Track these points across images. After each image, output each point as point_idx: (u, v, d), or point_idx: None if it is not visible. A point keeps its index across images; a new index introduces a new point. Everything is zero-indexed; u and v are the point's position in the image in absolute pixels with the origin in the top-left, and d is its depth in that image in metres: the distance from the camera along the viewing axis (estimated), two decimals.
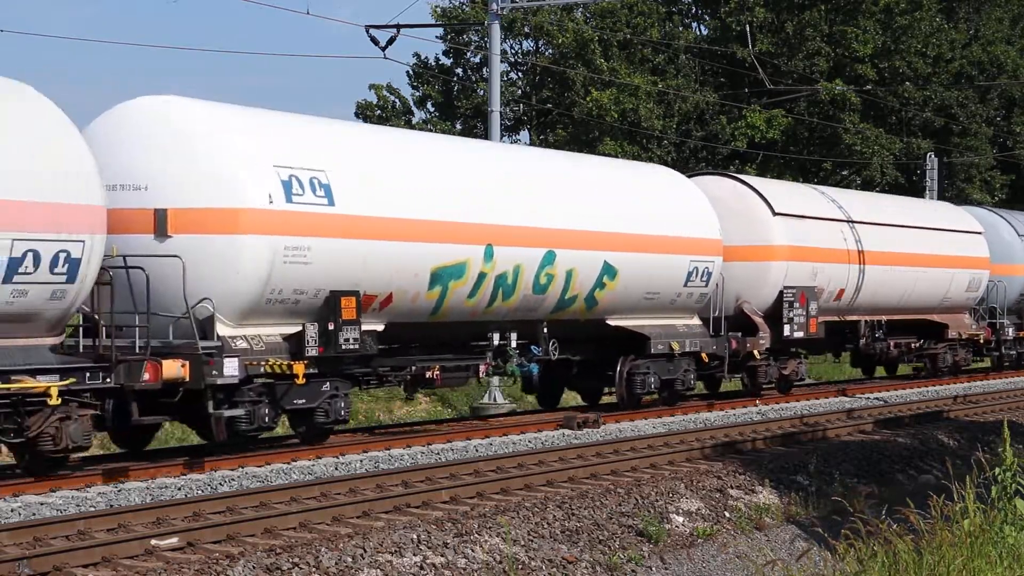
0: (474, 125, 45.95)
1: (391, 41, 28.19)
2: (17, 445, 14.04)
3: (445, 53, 47.22)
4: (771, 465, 17.00)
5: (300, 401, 16.25)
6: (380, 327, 17.25)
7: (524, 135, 48.56)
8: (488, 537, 12.35)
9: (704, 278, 22.81)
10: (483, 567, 11.81)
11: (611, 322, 21.59)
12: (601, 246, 20.66)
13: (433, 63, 47.41)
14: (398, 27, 28.36)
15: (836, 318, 26.97)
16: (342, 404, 16.78)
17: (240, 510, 12.79)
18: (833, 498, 15.06)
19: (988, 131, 51.08)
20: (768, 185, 26.93)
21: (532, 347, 20.01)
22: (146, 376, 14.10)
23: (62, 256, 13.45)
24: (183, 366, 14.42)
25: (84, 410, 13.96)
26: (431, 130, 45.07)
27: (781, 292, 24.53)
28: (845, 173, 49.26)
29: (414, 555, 11.62)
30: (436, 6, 45.71)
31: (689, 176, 25.12)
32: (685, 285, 22.48)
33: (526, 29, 45.12)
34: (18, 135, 13.39)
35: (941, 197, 45.28)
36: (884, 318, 28.86)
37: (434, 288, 17.63)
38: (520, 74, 48.00)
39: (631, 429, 20.56)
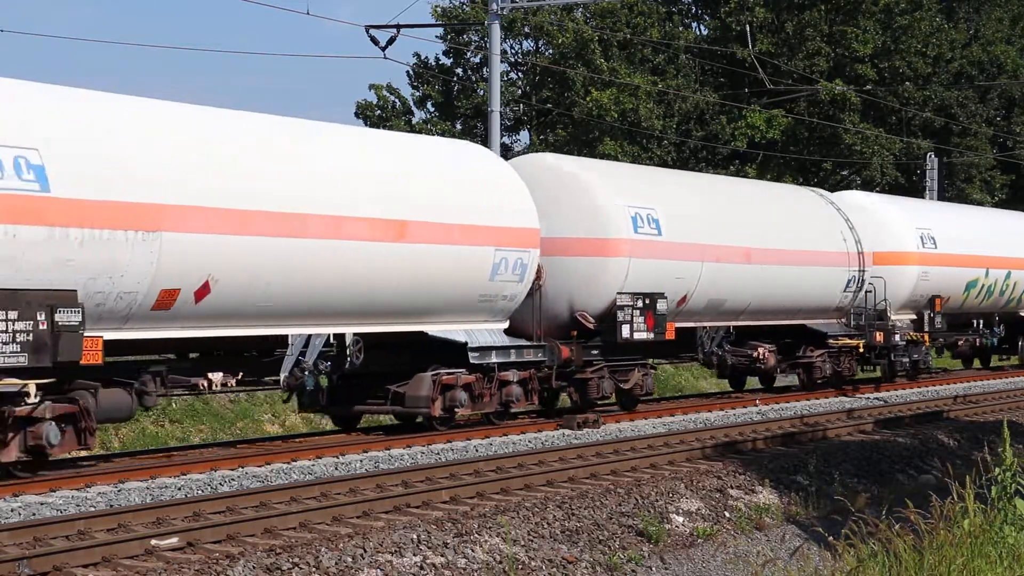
0: (474, 125, 45.96)
1: (391, 41, 28.20)
2: None
3: (445, 53, 47.27)
4: (771, 465, 17.00)
5: None
6: None
7: (524, 135, 48.62)
8: (488, 537, 12.35)
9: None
10: (483, 567, 11.81)
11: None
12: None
13: (433, 63, 47.43)
14: (398, 27, 28.37)
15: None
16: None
17: (240, 510, 12.79)
18: (836, 498, 15.07)
19: (988, 131, 51.10)
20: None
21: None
22: None
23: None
24: None
25: None
26: (431, 130, 45.10)
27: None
28: (845, 173, 49.28)
29: (414, 555, 11.62)
30: (436, 6, 45.76)
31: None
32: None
33: (526, 29, 45.13)
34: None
35: (941, 197, 45.30)
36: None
37: None
38: (520, 74, 48.01)
39: (631, 429, 20.56)
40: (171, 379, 15.35)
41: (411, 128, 45.45)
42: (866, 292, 27.55)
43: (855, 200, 29.27)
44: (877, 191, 45.75)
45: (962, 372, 35.17)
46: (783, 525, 15.01)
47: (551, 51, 45.23)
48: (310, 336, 16.69)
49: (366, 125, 46.13)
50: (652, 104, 43.01)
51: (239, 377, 16.10)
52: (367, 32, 28.03)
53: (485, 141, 32.29)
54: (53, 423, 13.81)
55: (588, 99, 42.39)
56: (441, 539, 12.04)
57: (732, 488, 15.75)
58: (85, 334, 13.63)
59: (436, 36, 46.45)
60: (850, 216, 27.35)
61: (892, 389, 28.59)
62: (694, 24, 50.14)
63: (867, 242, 27.29)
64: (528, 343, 20.09)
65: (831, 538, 10.36)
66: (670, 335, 21.75)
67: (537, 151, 44.05)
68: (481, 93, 43.99)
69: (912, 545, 9.72)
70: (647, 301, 21.23)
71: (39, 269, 13.38)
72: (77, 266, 13.69)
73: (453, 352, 18.71)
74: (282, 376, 16.62)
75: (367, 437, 18.88)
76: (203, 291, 15.13)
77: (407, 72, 48.00)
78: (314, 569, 10.86)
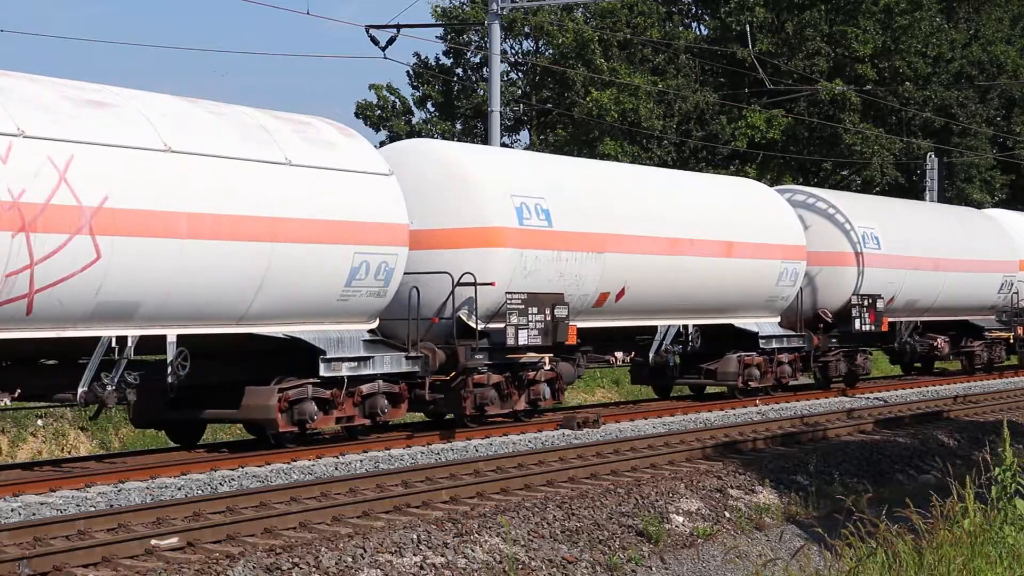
0: (474, 125, 45.96)
1: (391, 41, 28.20)
2: None
3: (445, 53, 47.27)
4: (771, 465, 17.01)
5: None
6: None
7: (524, 135, 48.61)
8: (488, 537, 12.36)
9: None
10: (483, 567, 11.81)
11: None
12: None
13: (433, 63, 47.43)
14: (398, 27, 28.37)
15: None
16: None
17: (240, 510, 12.80)
18: (837, 496, 15.07)
19: (988, 131, 51.09)
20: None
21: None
22: None
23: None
24: None
25: None
26: (431, 130, 45.11)
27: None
28: (845, 173, 49.28)
29: (414, 555, 11.62)
30: (436, 6, 45.77)
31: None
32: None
33: (526, 29, 45.12)
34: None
35: (941, 197, 45.30)
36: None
37: None
38: (520, 74, 48.01)
39: (631, 429, 20.57)
40: (591, 356, 21.53)
41: (411, 128, 45.47)
42: (1012, 293, 32.75)
43: (1006, 217, 35.00)
44: (876, 191, 45.79)
45: None
46: (783, 525, 15.01)
47: (551, 51, 45.23)
48: (668, 327, 22.66)
49: (366, 125, 46.20)
50: (652, 104, 43.01)
51: (631, 356, 22.53)
52: (367, 32, 28.04)
53: (485, 141, 32.31)
54: (546, 384, 20.19)
55: (588, 99, 42.39)
56: (441, 539, 12.04)
57: (732, 488, 15.75)
58: (568, 323, 19.76)
59: (436, 36, 46.52)
60: (1005, 229, 33.17)
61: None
62: (694, 24, 50.14)
63: (1017, 252, 32.97)
64: (794, 332, 25.49)
65: (831, 538, 10.37)
66: (884, 327, 27.35)
67: (538, 151, 44.11)
68: (481, 93, 43.98)
69: (912, 545, 9.72)
70: (871, 301, 26.92)
71: (547, 279, 19.64)
72: (566, 277, 20.05)
73: (744, 339, 24.35)
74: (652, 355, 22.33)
75: (366, 437, 18.84)
76: (621, 293, 21.31)
77: (407, 72, 48.06)
78: (314, 569, 10.87)
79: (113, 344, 14.32)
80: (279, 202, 15.97)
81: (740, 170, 44.53)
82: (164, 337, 14.82)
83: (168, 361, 14.86)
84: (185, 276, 14.72)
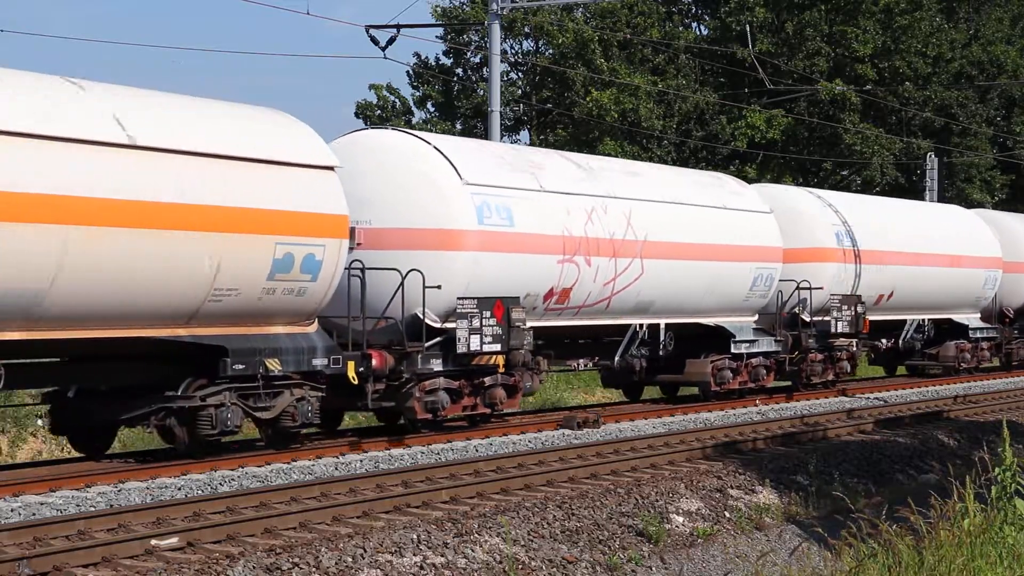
0: (474, 125, 45.95)
1: (391, 41, 28.21)
2: None
3: (445, 53, 47.26)
4: (771, 465, 17.00)
5: None
6: None
7: (524, 135, 48.60)
8: (488, 537, 12.35)
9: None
10: (483, 567, 11.81)
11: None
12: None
13: (433, 63, 47.43)
14: (398, 27, 28.38)
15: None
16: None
17: (240, 510, 12.79)
18: (834, 494, 15.06)
19: (988, 131, 51.09)
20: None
21: None
22: None
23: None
24: None
25: None
26: (431, 130, 45.11)
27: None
28: (845, 173, 49.27)
29: (414, 555, 11.62)
30: (436, 6, 45.75)
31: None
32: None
33: (526, 29, 45.12)
34: None
35: (941, 197, 45.31)
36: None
37: None
38: (520, 74, 48.00)
39: (631, 429, 20.55)
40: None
41: (411, 128, 45.47)
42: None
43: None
44: (876, 191, 45.78)
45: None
46: (783, 525, 15.01)
47: (551, 51, 45.22)
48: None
49: (366, 125, 46.18)
50: (652, 104, 43.00)
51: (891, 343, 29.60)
52: (367, 32, 28.05)
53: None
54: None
55: (588, 99, 42.38)
56: (441, 539, 12.04)
57: (732, 488, 15.74)
58: None
59: (436, 36, 46.51)
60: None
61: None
62: (694, 24, 50.14)
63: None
64: (990, 325, 32.24)
65: (831, 538, 10.37)
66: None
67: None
68: (481, 93, 43.98)
69: (912, 545, 9.72)
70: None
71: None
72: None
73: (955, 332, 31.59)
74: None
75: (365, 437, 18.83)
76: (885, 297, 28.27)
77: (407, 72, 48.06)
78: (314, 569, 10.86)
79: (637, 330, 21.80)
80: None
81: (740, 170, 44.52)
82: (658, 325, 22.39)
83: (660, 340, 22.35)
84: (673, 286, 22.08)
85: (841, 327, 25.51)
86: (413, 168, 18.24)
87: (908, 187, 49.45)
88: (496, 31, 29.27)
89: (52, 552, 10.61)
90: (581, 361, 21.72)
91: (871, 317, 27.07)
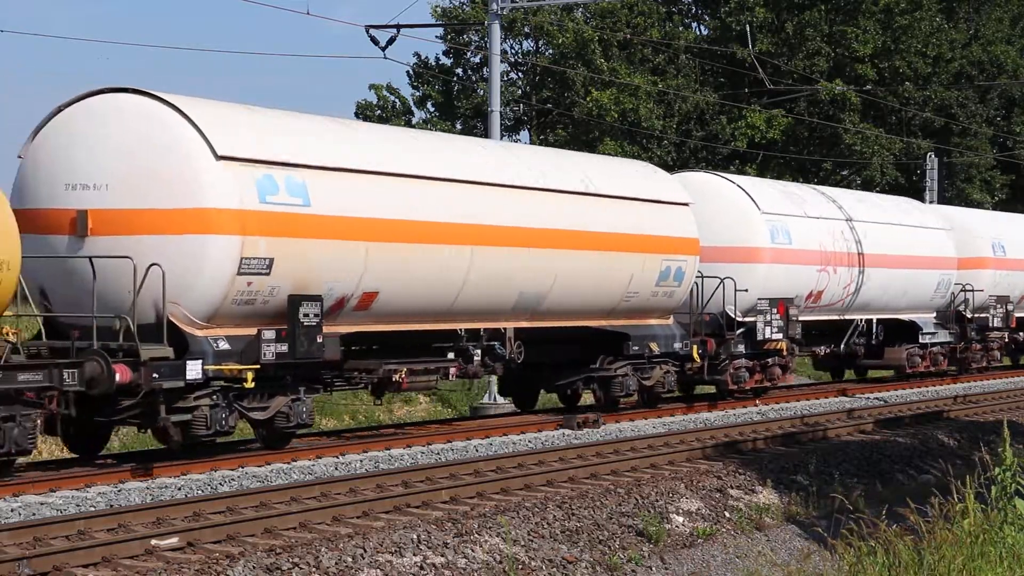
0: (474, 125, 45.94)
1: (391, 41, 28.19)
2: None
3: (445, 53, 47.25)
4: (771, 465, 17.00)
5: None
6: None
7: (524, 135, 48.60)
8: (488, 537, 12.35)
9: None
10: (483, 567, 11.81)
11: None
12: None
13: (433, 63, 47.42)
14: (398, 27, 28.35)
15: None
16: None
17: (240, 510, 12.79)
18: (832, 495, 15.06)
19: (988, 131, 51.10)
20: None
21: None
22: None
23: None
24: None
25: None
26: (431, 130, 45.08)
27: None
28: (845, 173, 49.28)
29: (414, 555, 11.62)
30: (436, 6, 45.73)
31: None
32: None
33: (526, 29, 45.11)
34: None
35: (941, 198, 45.32)
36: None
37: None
38: (520, 74, 48.00)
39: (631, 429, 20.55)
40: None
41: (410, 127, 45.49)
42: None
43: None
44: (877, 191, 45.77)
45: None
46: (783, 525, 15.00)
47: (551, 51, 45.21)
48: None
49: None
50: (652, 104, 42.99)
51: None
52: (367, 32, 28.03)
53: None
54: None
55: (588, 99, 42.38)
56: (441, 539, 12.04)
57: (732, 488, 15.74)
58: None
59: (436, 36, 46.48)
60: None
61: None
62: (694, 24, 50.12)
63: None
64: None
65: (831, 538, 10.37)
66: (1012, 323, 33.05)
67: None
68: (481, 93, 43.97)
69: (912, 545, 9.72)
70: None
71: None
72: None
73: None
74: None
75: (366, 437, 18.82)
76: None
77: (407, 72, 48.04)
78: (314, 569, 10.86)
79: (859, 323, 27.68)
80: None
81: (740, 170, 44.52)
82: (871, 320, 28.27)
83: (873, 331, 28.08)
84: (886, 290, 28.20)
85: (996, 322, 31.75)
86: (732, 203, 24.39)
87: (908, 187, 49.44)
88: (496, 31, 29.26)
89: (52, 552, 10.61)
90: (821, 348, 27.36)
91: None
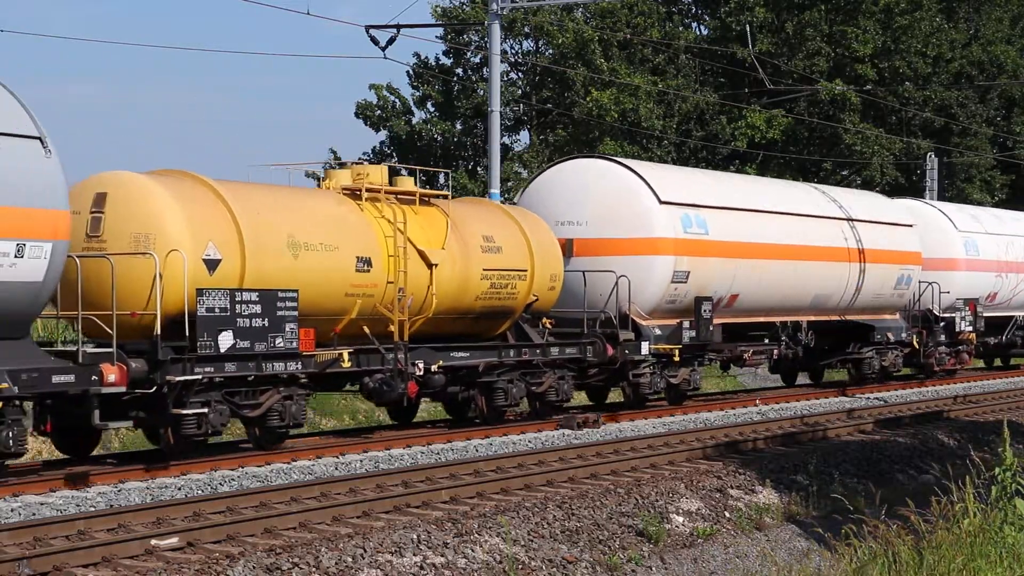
0: (474, 125, 45.93)
1: (391, 41, 28.17)
2: None
3: (445, 53, 47.20)
4: (771, 465, 17.00)
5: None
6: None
7: (524, 135, 48.59)
8: (488, 537, 12.35)
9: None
10: (483, 567, 11.81)
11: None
12: None
13: (433, 63, 47.40)
14: (398, 27, 28.34)
15: None
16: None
17: (240, 510, 12.80)
18: (832, 496, 15.07)
19: (988, 131, 51.08)
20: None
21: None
22: None
23: None
24: None
25: None
26: (431, 130, 45.06)
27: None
28: (845, 173, 49.27)
29: (414, 555, 11.62)
30: (436, 6, 45.69)
31: None
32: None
33: (526, 29, 45.08)
34: None
35: (941, 197, 45.30)
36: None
37: None
38: (520, 74, 47.97)
39: (631, 429, 20.56)
40: None
41: (411, 128, 45.46)
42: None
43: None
44: (877, 191, 45.78)
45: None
46: (783, 525, 15.00)
47: (551, 51, 45.19)
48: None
49: (366, 125, 46.16)
50: (652, 104, 42.97)
51: None
52: (367, 32, 28.01)
53: (485, 141, 32.28)
54: None
55: (588, 99, 42.36)
56: (441, 539, 12.04)
57: (732, 488, 15.74)
58: None
59: (436, 36, 46.43)
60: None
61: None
62: (694, 24, 50.10)
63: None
64: None
65: (831, 538, 10.37)
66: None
67: (538, 151, 44.04)
68: (481, 93, 43.94)
69: (912, 545, 9.72)
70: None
71: None
72: None
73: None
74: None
75: (366, 437, 18.83)
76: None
77: (407, 72, 47.95)
78: (314, 569, 10.87)
79: (1018, 319, 34.51)
80: None
81: (740, 170, 44.53)
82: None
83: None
84: None
85: None
86: (936, 224, 31.53)
87: (908, 187, 49.43)
88: (496, 31, 29.25)
89: (52, 552, 10.61)
90: (990, 339, 33.17)
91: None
